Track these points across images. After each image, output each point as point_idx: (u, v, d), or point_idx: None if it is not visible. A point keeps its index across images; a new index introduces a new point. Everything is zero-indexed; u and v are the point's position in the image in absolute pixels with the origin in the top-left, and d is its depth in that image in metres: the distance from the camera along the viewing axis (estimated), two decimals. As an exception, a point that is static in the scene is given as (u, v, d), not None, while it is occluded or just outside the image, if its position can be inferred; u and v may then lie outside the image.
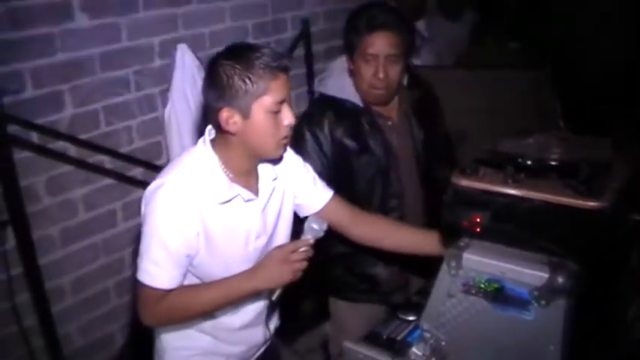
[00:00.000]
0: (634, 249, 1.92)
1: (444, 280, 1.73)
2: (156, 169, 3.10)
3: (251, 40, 3.70)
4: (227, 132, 1.84)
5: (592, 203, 1.58)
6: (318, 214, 2.08)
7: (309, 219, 1.94)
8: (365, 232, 2.21)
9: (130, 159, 3.13)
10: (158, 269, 1.82)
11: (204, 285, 1.91)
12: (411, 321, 2.04)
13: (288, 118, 1.85)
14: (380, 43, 2.35)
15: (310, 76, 4.03)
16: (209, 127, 1.94)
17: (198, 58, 3.27)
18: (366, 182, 2.45)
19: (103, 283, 3.16)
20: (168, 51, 3.24)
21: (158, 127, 3.26)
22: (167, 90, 3.23)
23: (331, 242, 2.35)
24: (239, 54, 1.80)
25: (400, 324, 2.06)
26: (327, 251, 2.44)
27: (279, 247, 1.93)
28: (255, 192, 1.95)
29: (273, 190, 2.00)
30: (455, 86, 3.52)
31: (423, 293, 2.05)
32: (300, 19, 4.00)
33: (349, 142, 2.43)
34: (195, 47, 3.30)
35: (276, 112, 1.82)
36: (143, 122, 3.21)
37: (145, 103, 3.21)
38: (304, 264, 1.87)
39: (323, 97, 2.52)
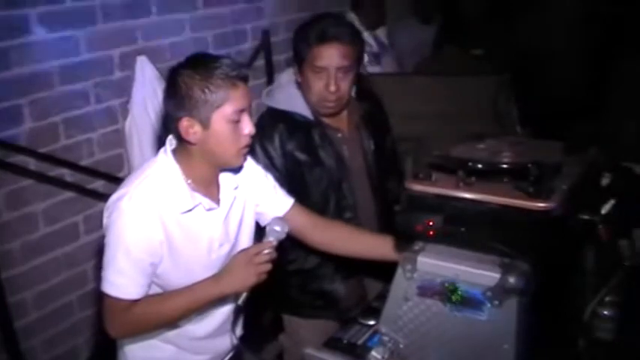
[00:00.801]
0: (586, 248, 1.97)
1: (400, 284, 1.76)
2: (117, 181, 3.08)
3: (212, 51, 3.71)
4: (187, 142, 1.85)
5: (541, 204, 1.63)
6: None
7: (271, 221, 1.95)
8: (324, 238, 2.23)
9: (91, 171, 3.12)
10: (123, 279, 1.82)
11: (170, 293, 1.91)
12: (371, 325, 2.07)
13: (248, 127, 1.86)
14: (331, 55, 2.32)
15: (271, 85, 4.04)
16: (170, 136, 1.94)
17: (158, 69, 3.28)
18: (320, 195, 2.44)
19: (67, 296, 3.14)
20: (128, 63, 3.24)
21: (119, 139, 3.26)
22: (127, 102, 3.23)
23: (286, 259, 2.37)
24: (198, 64, 1.81)
25: (360, 329, 2.09)
26: (281, 268, 2.40)
27: (242, 250, 1.93)
28: (217, 201, 1.96)
29: (234, 199, 2.02)
30: (415, 93, 3.57)
31: (382, 298, 2.08)
32: (260, 29, 4.03)
33: (301, 155, 2.42)
34: (155, 59, 3.31)
35: (236, 122, 1.84)
36: (104, 135, 3.21)
37: (105, 115, 3.21)
38: (268, 266, 1.87)
39: (272, 110, 2.48)
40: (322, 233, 2.23)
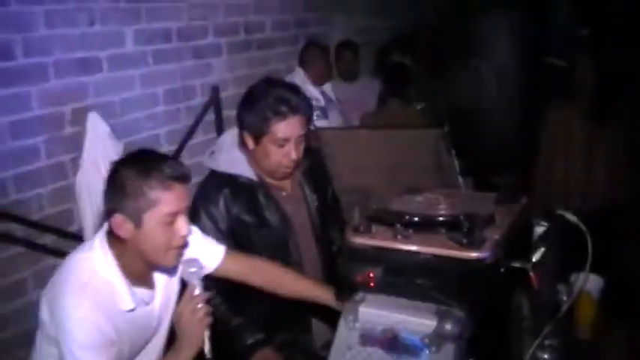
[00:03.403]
0: (520, 294, 2.07)
1: (343, 333, 1.81)
2: (67, 236, 3.11)
3: (162, 107, 3.79)
4: (119, 237, 1.84)
5: (473, 254, 1.72)
6: (217, 272, 2.14)
7: (183, 266, 1.93)
8: (265, 281, 2.27)
9: (41, 226, 3.12)
10: None
11: None
12: (318, 374, 2.12)
13: (183, 229, 1.85)
14: (293, 127, 2.34)
15: (221, 141, 4.11)
16: (105, 225, 1.92)
17: (109, 125, 3.32)
18: (267, 254, 2.41)
19: (13, 355, 3.09)
20: (79, 118, 3.27)
21: (69, 194, 3.27)
22: (78, 157, 3.25)
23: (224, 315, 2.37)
24: (139, 161, 1.82)
25: (307, 378, 2.14)
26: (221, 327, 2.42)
27: (176, 314, 1.92)
28: (152, 285, 1.99)
29: (166, 284, 2.05)
30: (359, 145, 3.70)
31: (328, 347, 2.14)
32: (209, 85, 4.11)
33: (247, 218, 2.43)
34: (106, 115, 3.34)
35: (170, 223, 1.83)
36: (54, 190, 3.22)
37: (56, 170, 3.22)
38: (206, 307, 1.87)
39: (216, 173, 2.47)
40: (263, 276, 2.27)
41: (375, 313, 1.78)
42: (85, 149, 3.24)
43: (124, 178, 1.79)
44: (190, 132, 3.98)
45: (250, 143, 2.41)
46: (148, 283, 1.97)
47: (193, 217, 2.36)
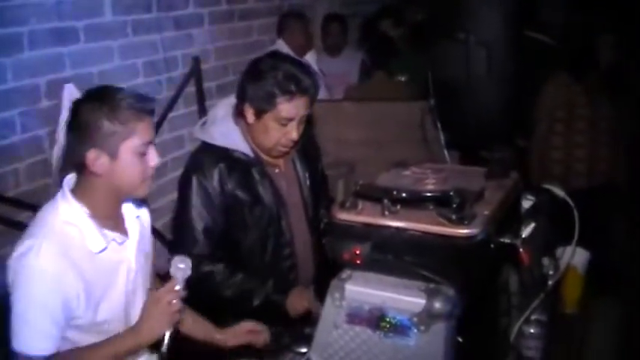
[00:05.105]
0: (508, 270, 2.05)
1: (329, 312, 1.78)
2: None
3: (142, 79, 3.71)
4: (93, 174, 1.83)
5: (463, 230, 1.68)
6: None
7: (174, 260, 1.92)
8: None
9: (17, 203, 3.05)
10: (36, 337, 1.78)
11: (86, 348, 1.86)
12: (303, 353, 2.09)
13: (153, 159, 1.89)
14: (298, 107, 2.30)
15: (202, 113, 4.05)
16: (66, 178, 1.93)
17: (86, 97, 3.24)
18: (259, 233, 2.42)
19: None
20: (55, 91, 3.19)
21: (46, 168, 3.20)
22: (55, 131, 3.18)
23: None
24: (104, 96, 1.82)
25: (293, 357, 2.11)
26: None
27: (150, 296, 1.91)
28: (125, 232, 1.97)
29: (139, 229, 2.04)
30: (343, 119, 3.65)
31: (314, 324, 2.10)
32: (190, 56, 4.04)
33: (240, 194, 2.39)
34: (83, 87, 3.21)
35: (143, 154, 1.86)
36: (30, 164, 3.15)
37: (32, 144, 3.15)
38: (180, 304, 1.86)
39: (209, 146, 2.41)
40: None
41: (362, 291, 1.75)
42: (61, 122, 3.15)
43: (95, 114, 1.79)
44: (171, 104, 3.92)
45: (250, 117, 2.34)
46: (119, 229, 1.95)
47: (184, 186, 2.37)
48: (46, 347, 1.80)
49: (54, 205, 1.88)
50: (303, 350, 2.10)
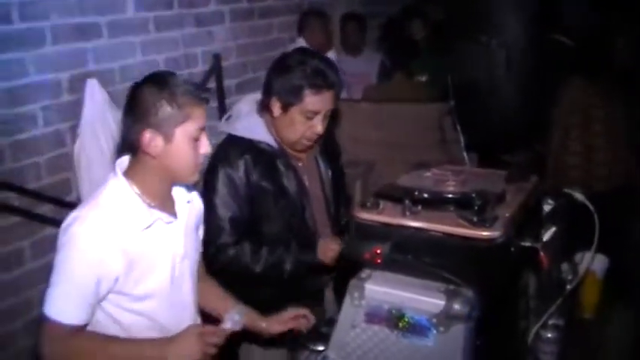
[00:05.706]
0: (528, 274, 2.04)
1: (348, 311, 1.78)
2: (65, 205, 3.06)
3: (163, 75, 3.72)
4: (147, 154, 1.87)
5: (484, 233, 1.68)
6: None
7: (232, 309, 1.98)
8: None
9: (39, 196, 3.07)
10: (67, 304, 1.81)
11: (114, 340, 1.89)
12: (320, 351, 2.08)
13: (205, 146, 1.93)
14: (325, 101, 2.34)
15: (222, 110, 4.06)
16: (118, 160, 1.97)
17: (108, 93, 3.26)
18: (283, 224, 2.45)
19: (11, 324, 3.07)
20: (77, 86, 3.21)
21: (67, 163, 3.22)
22: (76, 126, 3.20)
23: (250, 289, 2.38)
24: (163, 80, 1.86)
25: (309, 355, 2.10)
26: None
27: (196, 326, 1.97)
28: (174, 214, 2.00)
29: (189, 213, 2.06)
30: (362, 119, 3.64)
31: (331, 323, 2.10)
32: (211, 53, 4.05)
33: (266, 185, 2.42)
34: (105, 82, 3.29)
35: (196, 139, 1.90)
36: (51, 158, 3.17)
37: (53, 138, 3.17)
38: (214, 350, 1.89)
39: (235, 138, 2.44)
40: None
41: (381, 290, 1.75)
42: (83, 117, 3.19)
43: (154, 96, 1.83)
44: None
45: (277, 110, 2.38)
46: (168, 210, 1.98)
47: (210, 176, 2.39)
48: (75, 317, 1.82)
49: (106, 184, 1.93)
50: (320, 348, 2.10)
